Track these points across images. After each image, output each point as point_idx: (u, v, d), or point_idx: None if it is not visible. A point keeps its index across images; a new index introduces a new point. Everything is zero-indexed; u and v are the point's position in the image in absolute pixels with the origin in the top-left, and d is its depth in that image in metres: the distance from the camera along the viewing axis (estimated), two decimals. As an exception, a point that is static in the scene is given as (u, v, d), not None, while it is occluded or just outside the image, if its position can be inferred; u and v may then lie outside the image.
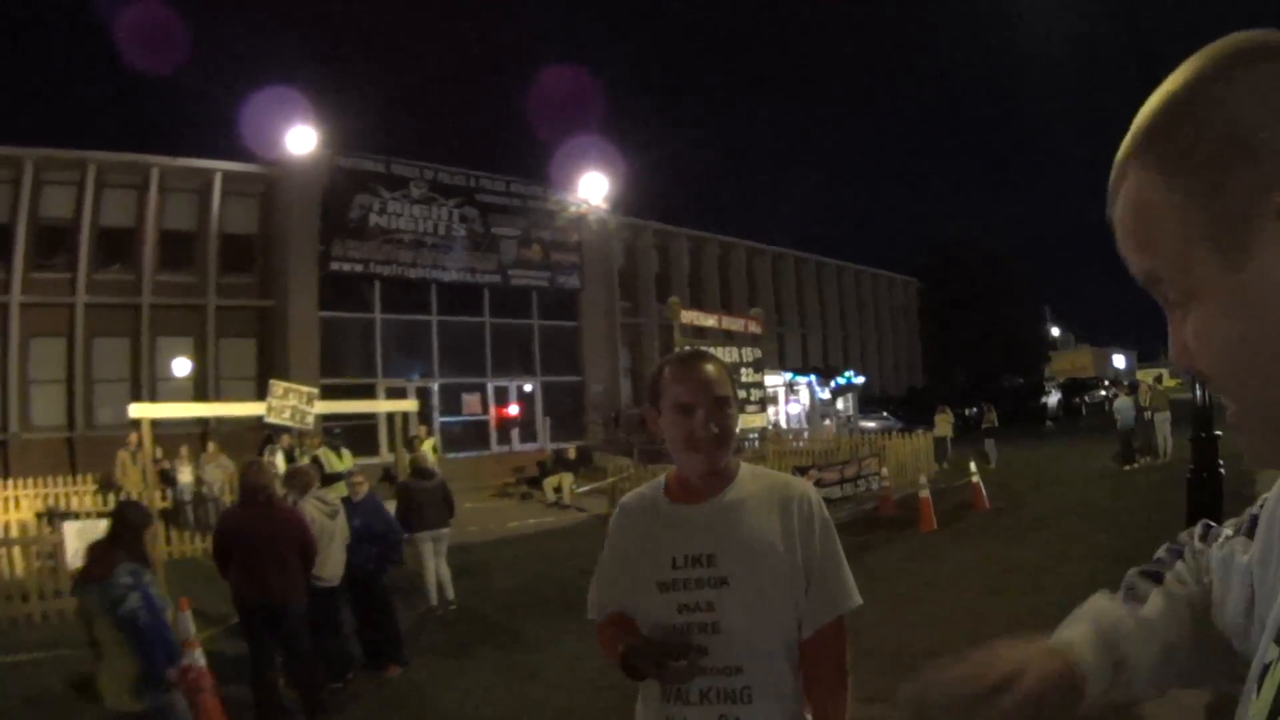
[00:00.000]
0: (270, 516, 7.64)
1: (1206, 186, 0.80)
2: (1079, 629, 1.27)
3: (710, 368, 2.51)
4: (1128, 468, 21.72)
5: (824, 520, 2.48)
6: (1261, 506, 1.13)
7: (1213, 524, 1.31)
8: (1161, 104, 0.84)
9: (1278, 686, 0.88)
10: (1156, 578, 1.33)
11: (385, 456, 25.15)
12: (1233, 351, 0.82)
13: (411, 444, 18.97)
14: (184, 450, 20.58)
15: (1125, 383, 30.41)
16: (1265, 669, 0.91)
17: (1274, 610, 0.95)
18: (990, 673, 1.18)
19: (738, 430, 2.55)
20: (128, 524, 5.50)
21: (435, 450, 22.51)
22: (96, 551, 5.33)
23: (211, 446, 20.65)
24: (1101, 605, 1.30)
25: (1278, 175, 0.77)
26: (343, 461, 16.53)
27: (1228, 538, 1.22)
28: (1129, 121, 0.89)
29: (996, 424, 27.34)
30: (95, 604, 5.06)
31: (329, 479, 13.95)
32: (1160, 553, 1.38)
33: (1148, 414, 23.19)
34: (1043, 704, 1.17)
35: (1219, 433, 10.85)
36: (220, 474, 19.80)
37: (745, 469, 2.57)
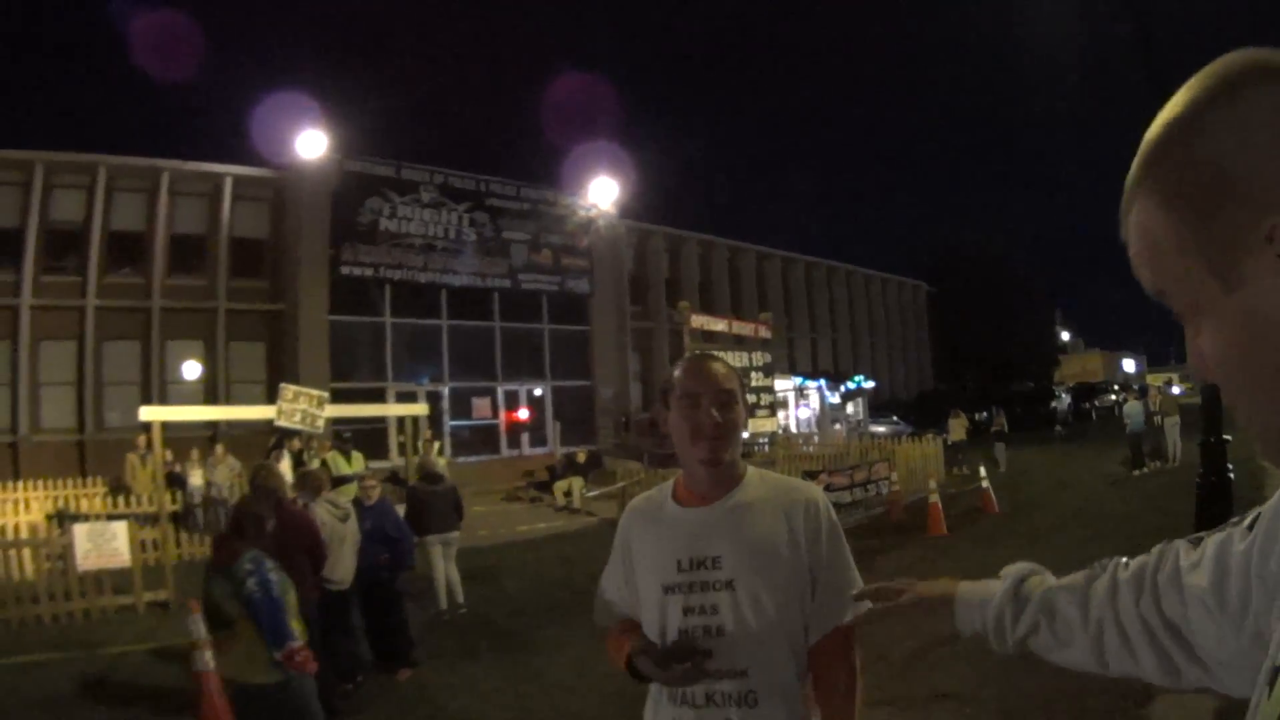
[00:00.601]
0: (280, 520, 7.66)
1: (1199, 215, 0.84)
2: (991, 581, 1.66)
3: (718, 365, 2.56)
4: (1137, 472, 21.68)
5: (832, 524, 2.49)
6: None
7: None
8: (1157, 134, 0.89)
9: None
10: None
11: (396, 460, 25.15)
12: (1233, 367, 0.88)
13: (425, 449, 18.99)
14: (195, 453, 20.66)
15: (1135, 387, 30.44)
16: (1276, 670, 0.91)
17: None
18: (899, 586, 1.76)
19: (747, 434, 2.57)
20: (251, 517, 5.93)
21: (440, 454, 22.53)
22: (222, 541, 5.76)
23: (219, 449, 20.70)
24: (1020, 567, 1.68)
25: (1262, 202, 0.80)
26: (352, 465, 16.56)
27: (1232, 526, 1.26)
28: (1139, 125, 0.93)
29: (1006, 428, 27.28)
30: (223, 588, 5.45)
31: (337, 482, 13.99)
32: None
33: (1157, 419, 23.17)
34: (920, 611, 1.70)
35: (1228, 437, 10.85)
36: (228, 475, 19.86)
37: (753, 473, 2.58)
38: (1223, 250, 0.83)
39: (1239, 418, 0.92)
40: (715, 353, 3.11)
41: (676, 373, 2.58)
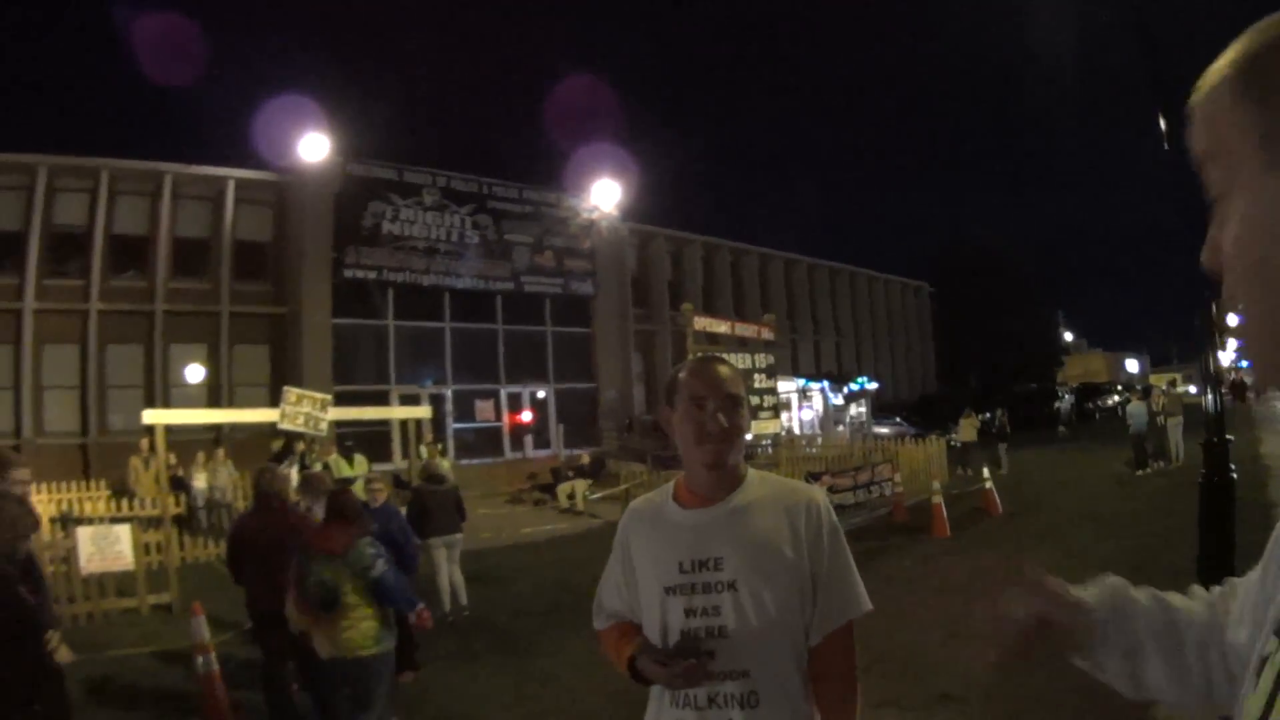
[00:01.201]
0: (283, 522, 7.66)
1: (1263, 95, 0.88)
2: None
3: (724, 369, 2.56)
4: (1140, 473, 21.66)
5: (833, 526, 2.49)
6: None
7: None
8: (1263, 45, 0.91)
9: (1275, 678, 0.90)
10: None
11: (399, 463, 25.15)
12: (1246, 250, 0.90)
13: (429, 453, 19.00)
14: (201, 456, 20.68)
15: (1138, 388, 30.38)
16: (1264, 661, 0.92)
17: (1275, 607, 0.97)
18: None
19: (750, 435, 2.57)
20: (354, 507, 6.77)
21: (443, 456, 22.54)
22: (331, 529, 6.40)
23: (220, 452, 20.73)
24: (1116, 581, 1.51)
25: None
26: (354, 468, 16.58)
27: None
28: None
29: (1009, 429, 27.23)
30: (340, 571, 6.11)
31: (340, 484, 13.98)
32: None
33: (1159, 419, 23.15)
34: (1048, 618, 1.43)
35: (1230, 437, 10.84)
36: (230, 478, 19.89)
37: (753, 474, 2.58)
38: (1275, 131, 0.87)
39: (1239, 323, 0.94)
40: (720, 355, 3.12)
41: (682, 374, 2.58)
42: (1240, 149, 0.90)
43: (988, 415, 28.37)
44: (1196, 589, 1.46)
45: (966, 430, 26.44)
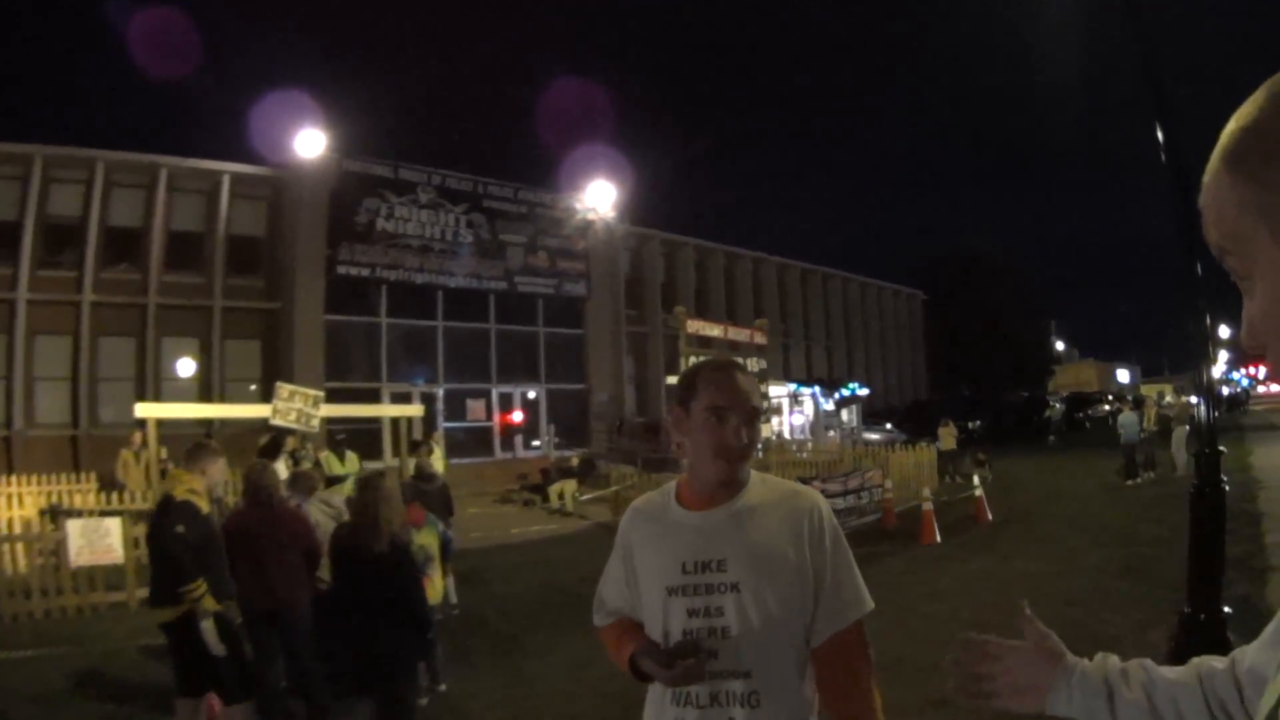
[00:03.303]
0: (275, 519, 7.66)
1: (1268, 192, 0.92)
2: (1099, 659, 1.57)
3: (746, 378, 2.56)
4: (1131, 483, 21.68)
5: (834, 528, 2.52)
6: None
7: None
8: (1238, 128, 0.96)
9: None
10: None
11: (390, 460, 25.11)
12: (1276, 322, 0.95)
13: (418, 449, 18.95)
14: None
15: (1129, 398, 30.41)
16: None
17: None
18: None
19: None
20: (421, 491, 9.71)
21: (434, 455, 22.56)
22: (412, 509, 8.36)
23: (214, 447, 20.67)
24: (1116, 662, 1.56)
25: None
26: (345, 465, 16.55)
27: None
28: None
29: (981, 456, 26.65)
30: (429, 535, 8.45)
31: (331, 482, 13.98)
32: None
33: (1148, 429, 23.20)
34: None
35: (1222, 449, 10.87)
36: (219, 474, 19.83)
37: (755, 477, 2.59)
38: (1270, 203, 0.92)
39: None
40: (736, 359, 3.13)
41: (702, 379, 2.54)
42: (1248, 230, 0.94)
43: (978, 423, 28.23)
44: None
45: (945, 439, 26.45)
